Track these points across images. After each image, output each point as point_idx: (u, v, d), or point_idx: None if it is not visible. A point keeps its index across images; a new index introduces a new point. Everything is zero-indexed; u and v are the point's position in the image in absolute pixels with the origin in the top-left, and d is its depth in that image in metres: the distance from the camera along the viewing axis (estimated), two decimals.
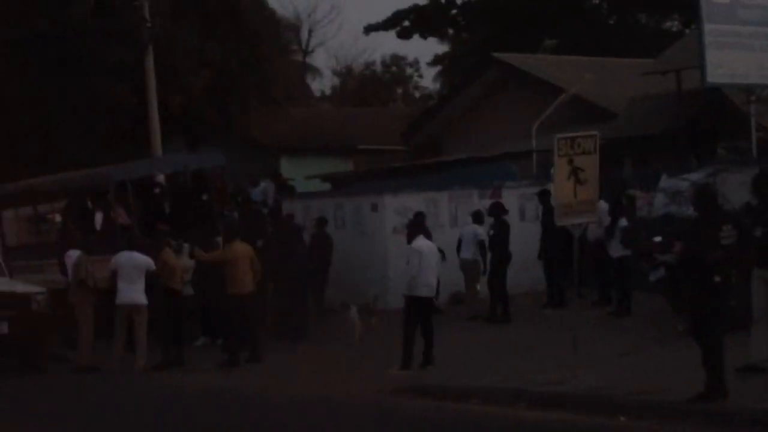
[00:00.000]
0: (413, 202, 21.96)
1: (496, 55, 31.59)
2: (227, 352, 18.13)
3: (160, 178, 24.92)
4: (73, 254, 19.64)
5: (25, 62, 29.26)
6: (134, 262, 18.28)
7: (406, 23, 40.21)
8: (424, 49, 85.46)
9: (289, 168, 31.40)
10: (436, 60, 43.87)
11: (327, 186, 29.38)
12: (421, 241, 16.47)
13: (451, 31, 42.23)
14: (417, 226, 17.05)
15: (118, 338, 18.31)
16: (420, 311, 16.21)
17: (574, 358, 14.09)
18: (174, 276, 18.40)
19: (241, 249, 18.41)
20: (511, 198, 22.13)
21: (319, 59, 60.59)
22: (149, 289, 18.39)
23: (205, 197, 23.33)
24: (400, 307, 17.25)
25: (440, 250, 19.50)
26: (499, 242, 20.15)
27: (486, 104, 31.11)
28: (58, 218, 24.58)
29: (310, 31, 57.81)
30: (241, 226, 21.04)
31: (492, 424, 12.72)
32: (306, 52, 57.90)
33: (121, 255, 18.45)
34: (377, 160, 33.84)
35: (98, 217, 23.26)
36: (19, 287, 19.49)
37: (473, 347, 17.54)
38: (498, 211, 20.52)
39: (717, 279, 11.50)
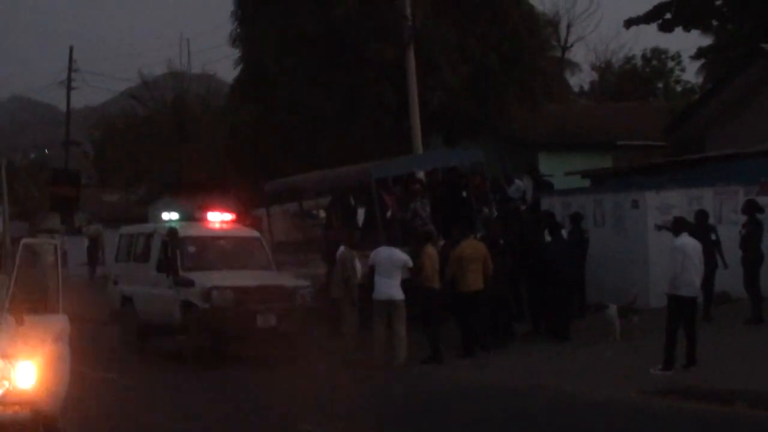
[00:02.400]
0: (676, 198, 21.46)
1: (764, 46, 30.41)
2: (467, 346, 18.53)
3: (420, 174, 25.24)
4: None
5: (294, 63, 30.20)
6: (393, 258, 18.56)
7: (668, 16, 39.20)
8: (687, 41, 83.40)
9: (547, 164, 31.17)
10: (700, 53, 42.54)
11: (586, 182, 29.02)
12: (685, 239, 16.06)
13: (715, 22, 40.93)
14: (681, 223, 16.58)
15: (377, 333, 18.66)
16: (683, 311, 15.82)
17: None
18: (433, 274, 18.57)
19: (472, 247, 18.55)
20: None
21: (578, 54, 60.10)
22: (405, 286, 18.65)
23: (464, 194, 23.48)
24: (661, 306, 16.91)
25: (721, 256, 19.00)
26: (751, 242, 19.49)
27: (753, 97, 29.96)
28: (322, 214, 25.29)
29: (569, 26, 57.27)
30: (496, 224, 21.09)
31: (760, 429, 12.30)
32: (565, 48, 57.38)
33: (380, 250, 18.77)
34: (637, 156, 33.18)
35: (361, 213, 23.79)
36: (287, 281, 20.18)
37: (737, 349, 16.99)
38: (752, 209, 19.84)
39: None
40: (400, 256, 18.64)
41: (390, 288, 18.39)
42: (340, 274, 19.56)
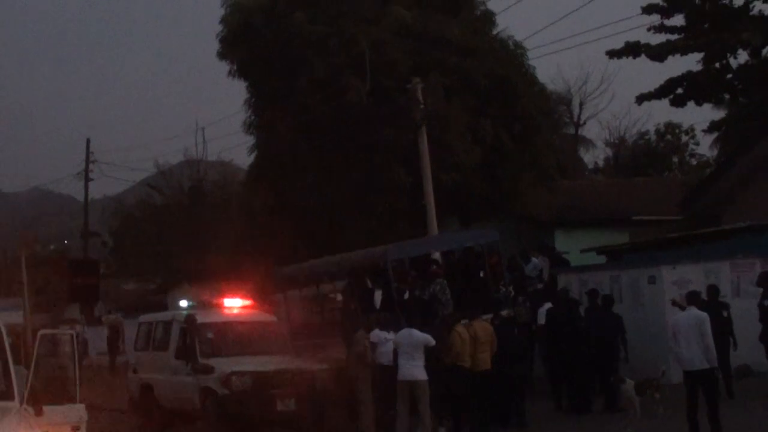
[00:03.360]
0: (692, 273, 21.43)
1: None
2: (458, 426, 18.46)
3: (436, 255, 25.27)
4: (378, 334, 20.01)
5: (307, 149, 30.48)
6: (413, 339, 18.58)
7: (680, 91, 39.43)
8: (700, 115, 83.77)
9: (563, 241, 31.24)
10: (713, 126, 42.65)
11: (602, 259, 29.04)
12: (684, 313, 16.01)
13: (727, 96, 41.14)
14: (692, 297, 16.52)
15: (400, 413, 18.58)
16: (693, 384, 15.68)
17: None
18: (463, 354, 18.52)
19: (483, 329, 18.62)
20: None
21: (591, 131, 60.41)
22: (430, 366, 18.60)
23: (480, 274, 23.49)
24: (680, 381, 16.81)
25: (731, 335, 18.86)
26: None
27: (767, 169, 30.06)
28: (339, 297, 25.30)
29: (581, 104, 57.73)
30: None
31: None
32: (578, 125, 57.77)
33: (401, 333, 18.84)
34: (654, 231, 33.18)
35: (377, 296, 23.78)
36: (305, 365, 20.16)
37: (760, 424, 16.84)
38: (766, 281, 19.83)
39: None
40: (420, 336, 18.65)
41: (412, 369, 18.39)
42: (354, 354, 19.55)
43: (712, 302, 18.75)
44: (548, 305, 22.15)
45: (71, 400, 10.84)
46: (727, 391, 18.84)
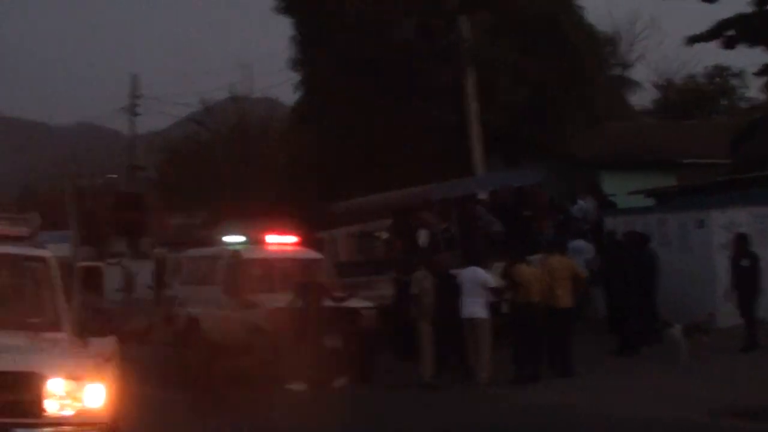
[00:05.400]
0: (741, 217, 21.23)
1: None
2: (562, 365, 18.43)
3: (482, 195, 25.19)
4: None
5: (353, 87, 30.35)
6: (475, 277, 18.64)
7: (731, 33, 38.85)
8: (751, 58, 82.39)
9: (610, 183, 30.99)
10: (764, 69, 42.05)
11: (650, 201, 28.83)
12: None
13: None
14: None
15: (465, 351, 18.64)
16: None
17: None
18: (529, 291, 18.49)
19: (560, 262, 18.51)
20: None
21: (639, 73, 59.65)
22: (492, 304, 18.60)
23: (526, 213, 23.42)
24: (729, 326, 16.69)
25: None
26: None
27: None
28: (384, 235, 25.30)
29: (630, 45, 57.02)
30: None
31: None
32: (626, 66, 57.09)
33: (466, 270, 18.85)
34: (702, 174, 32.87)
35: (422, 235, 23.78)
36: (351, 303, 20.18)
37: None
38: None
39: None
40: (482, 275, 18.68)
41: (472, 306, 18.44)
42: (414, 294, 19.50)
43: (740, 250, 18.76)
44: (577, 242, 22.12)
45: (102, 332, 10.86)
46: (752, 341, 18.62)
